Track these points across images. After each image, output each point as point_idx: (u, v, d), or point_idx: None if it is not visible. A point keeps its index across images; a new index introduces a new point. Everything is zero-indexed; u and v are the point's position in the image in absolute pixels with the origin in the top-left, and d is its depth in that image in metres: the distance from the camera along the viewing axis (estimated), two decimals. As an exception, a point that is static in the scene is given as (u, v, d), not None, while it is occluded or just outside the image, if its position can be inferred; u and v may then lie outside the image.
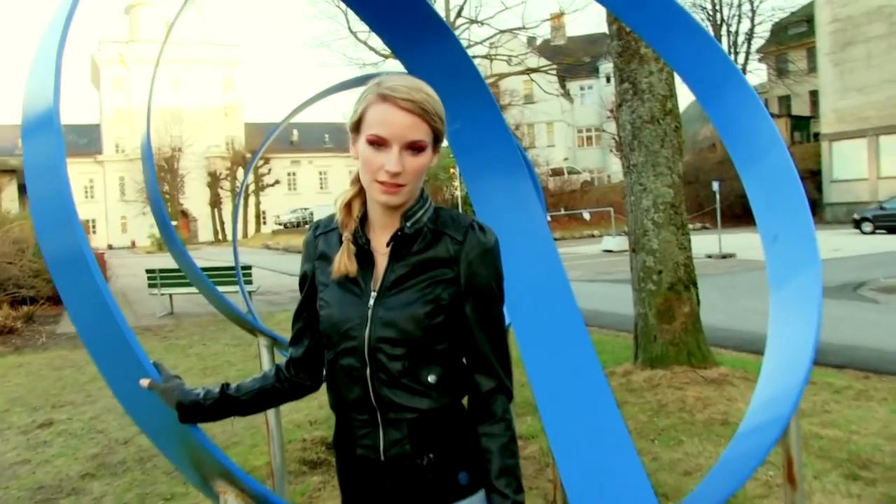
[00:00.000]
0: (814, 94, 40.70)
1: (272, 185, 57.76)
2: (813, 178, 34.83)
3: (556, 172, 43.31)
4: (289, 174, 66.31)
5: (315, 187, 67.16)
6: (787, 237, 3.40)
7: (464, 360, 1.55)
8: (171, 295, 14.47)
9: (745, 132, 3.70)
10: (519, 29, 34.75)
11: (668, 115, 6.29)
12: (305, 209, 52.70)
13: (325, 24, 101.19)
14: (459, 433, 1.52)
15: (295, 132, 66.29)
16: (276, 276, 22.96)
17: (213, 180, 56.43)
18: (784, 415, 2.79)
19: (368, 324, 1.48)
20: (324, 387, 1.68)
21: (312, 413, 5.80)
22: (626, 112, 6.31)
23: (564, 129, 55.53)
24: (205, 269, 12.80)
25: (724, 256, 19.95)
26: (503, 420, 1.52)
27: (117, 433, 5.85)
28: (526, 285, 3.48)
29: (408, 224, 1.49)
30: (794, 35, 46.30)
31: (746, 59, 45.00)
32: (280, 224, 53.86)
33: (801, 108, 45.75)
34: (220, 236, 58.57)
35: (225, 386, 1.64)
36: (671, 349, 6.34)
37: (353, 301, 1.51)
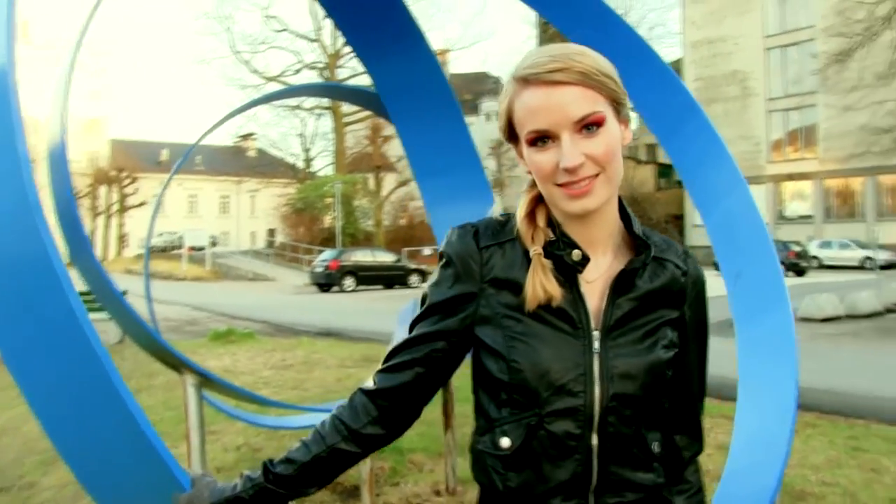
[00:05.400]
0: (678, 144, 43.80)
1: (137, 206, 54.73)
2: (676, 221, 37.32)
3: (435, 206, 43.56)
4: (157, 195, 63.25)
5: (184, 210, 64.28)
6: (752, 276, 3.39)
7: None
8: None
9: (706, 172, 3.67)
10: (405, 62, 34.91)
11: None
12: (174, 233, 50.33)
13: (208, 42, 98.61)
14: None
15: (164, 152, 63.41)
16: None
17: (72, 198, 52.77)
18: (780, 454, 2.72)
19: (598, 375, 1.11)
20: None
21: (217, 458, 5.23)
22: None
23: (443, 164, 56.06)
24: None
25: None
26: (701, 490, 1.26)
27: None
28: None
29: (653, 249, 1.17)
30: (661, 88, 49.57)
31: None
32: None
33: (667, 155, 48.81)
34: (75, 258, 54.60)
35: (269, 464, 1.20)
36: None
37: (565, 342, 1.12)
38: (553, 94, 1.06)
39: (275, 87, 42.72)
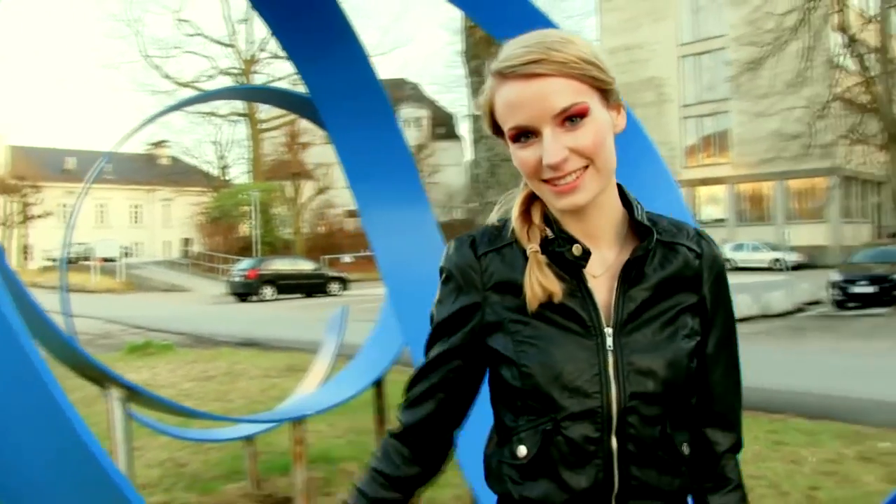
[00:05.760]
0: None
1: (41, 216, 52.22)
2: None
3: (354, 213, 43.33)
4: (62, 205, 60.46)
5: (92, 221, 61.64)
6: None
7: None
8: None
9: (639, 174, 3.72)
10: (323, 68, 34.60)
11: (525, 155, 6.29)
12: (82, 244, 48.16)
13: (116, 46, 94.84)
14: None
15: (71, 160, 60.74)
16: (61, 317, 20.49)
17: (-34, 209, 50.02)
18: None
19: (613, 374, 1.05)
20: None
21: (141, 474, 4.99)
22: (482, 149, 6.30)
23: (363, 170, 55.69)
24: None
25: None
26: (740, 486, 1.18)
27: None
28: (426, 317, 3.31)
29: (658, 234, 1.11)
30: (579, 95, 50.75)
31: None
32: (51, 260, 48.68)
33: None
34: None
35: None
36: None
37: (576, 342, 1.06)
38: (530, 88, 1.01)
39: (188, 92, 41.53)
